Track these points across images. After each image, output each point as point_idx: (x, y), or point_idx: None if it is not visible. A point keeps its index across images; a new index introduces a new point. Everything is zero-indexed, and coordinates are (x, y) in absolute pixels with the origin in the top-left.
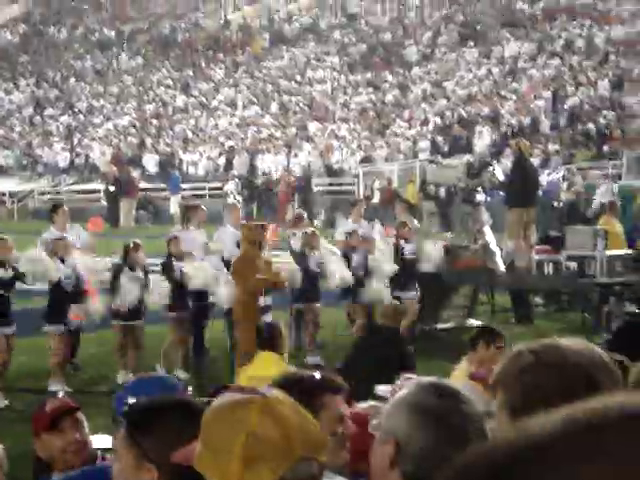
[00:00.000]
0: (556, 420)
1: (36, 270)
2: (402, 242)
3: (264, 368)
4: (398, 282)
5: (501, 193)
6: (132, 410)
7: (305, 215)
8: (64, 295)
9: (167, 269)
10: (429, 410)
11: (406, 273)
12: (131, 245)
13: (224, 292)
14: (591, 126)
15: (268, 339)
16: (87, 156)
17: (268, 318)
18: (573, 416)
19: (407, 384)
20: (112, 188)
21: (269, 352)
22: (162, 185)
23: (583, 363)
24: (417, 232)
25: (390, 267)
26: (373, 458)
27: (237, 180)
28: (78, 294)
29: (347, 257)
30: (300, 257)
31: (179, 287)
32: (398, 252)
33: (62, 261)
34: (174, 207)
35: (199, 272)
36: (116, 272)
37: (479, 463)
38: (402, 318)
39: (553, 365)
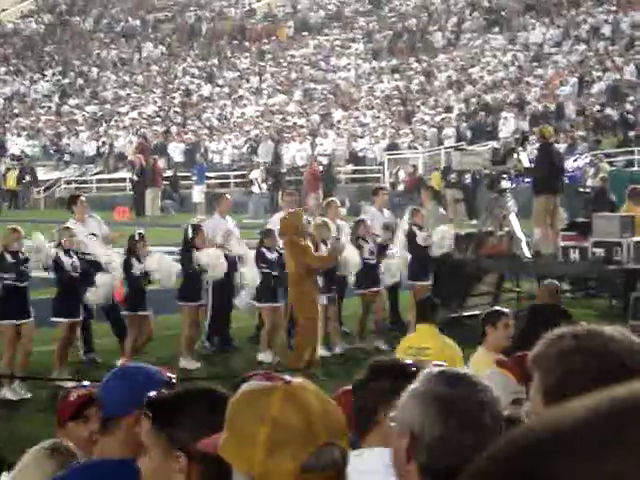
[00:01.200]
0: (580, 408)
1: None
2: (415, 229)
3: (422, 339)
4: (411, 270)
5: (527, 180)
6: (156, 401)
7: (338, 203)
8: (71, 287)
9: (186, 259)
10: (441, 399)
11: (420, 260)
12: (136, 237)
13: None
14: (617, 112)
15: (428, 312)
16: (111, 145)
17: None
18: (597, 404)
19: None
20: (136, 177)
21: (427, 325)
22: (187, 174)
23: (622, 352)
24: (443, 219)
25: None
26: (392, 453)
27: (262, 168)
28: (87, 284)
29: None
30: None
31: (194, 277)
32: (412, 240)
33: (66, 252)
34: (198, 196)
35: (215, 261)
36: (126, 265)
37: (505, 451)
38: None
39: (594, 351)
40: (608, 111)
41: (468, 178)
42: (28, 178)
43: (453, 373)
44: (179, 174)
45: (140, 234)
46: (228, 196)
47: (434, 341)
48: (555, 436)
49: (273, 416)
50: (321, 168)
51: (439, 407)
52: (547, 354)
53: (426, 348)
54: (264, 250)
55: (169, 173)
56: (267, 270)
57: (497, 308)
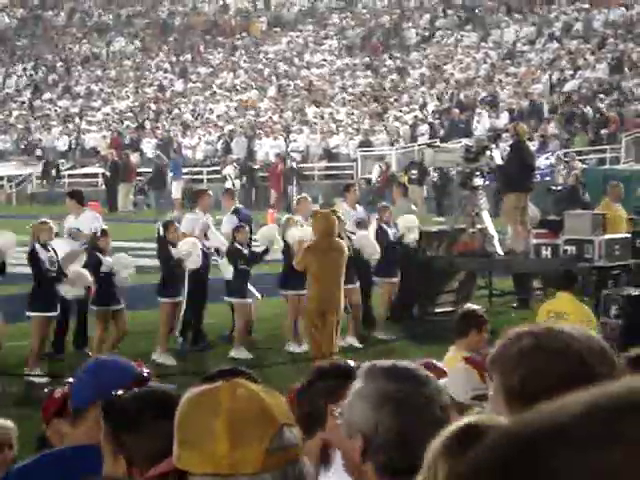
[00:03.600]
0: (578, 402)
1: None
2: (384, 226)
3: (562, 305)
4: (379, 267)
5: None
6: (111, 404)
7: (309, 200)
8: (47, 281)
9: (162, 254)
10: (389, 397)
11: (388, 257)
12: (98, 233)
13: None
14: (589, 110)
15: (567, 282)
16: (77, 139)
17: None
18: (595, 399)
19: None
20: (108, 173)
21: (567, 293)
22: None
23: (582, 350)
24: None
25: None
26: (342, 454)
27: (235, 164)
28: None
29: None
30: (285, 244)
31: (171, 272)
32: (380, 237)
33: (44, 246)
34: (176, 192)
35: (191, 249)
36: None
37: (502, 443)
38: None
39: (554, 350)
40: (583, 108)
41: (436, 176)
42: (54, 173)
43: (398, 369)
44: (149, 170)
45: (102, 230)
46: (210, 192)
47: (573, 306)
48: (553, 429)
49: (226, 407)
50: (280, 166)
51: (389, 406)
52: (507, 354)
53: (565, 313)
54: (238, 245)
55: (146, 169)
56: (242, 266)
57: (479, 312)
